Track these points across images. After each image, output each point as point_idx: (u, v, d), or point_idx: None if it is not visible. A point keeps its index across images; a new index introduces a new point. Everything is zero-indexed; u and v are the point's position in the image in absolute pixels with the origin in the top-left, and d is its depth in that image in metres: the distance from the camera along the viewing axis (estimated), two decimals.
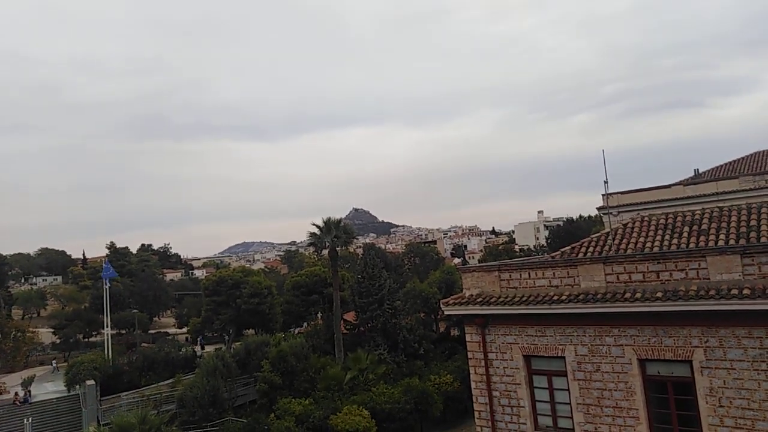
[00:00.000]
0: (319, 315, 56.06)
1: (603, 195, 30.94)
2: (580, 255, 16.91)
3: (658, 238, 16.34)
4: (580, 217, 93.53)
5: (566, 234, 77.04)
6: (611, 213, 30.51)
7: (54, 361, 54.89)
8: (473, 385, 15.24)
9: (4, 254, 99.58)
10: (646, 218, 17.85)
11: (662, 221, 17.09)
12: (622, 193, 32.14)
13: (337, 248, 46.32)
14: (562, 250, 18.70)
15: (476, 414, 15.12)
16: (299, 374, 37.87)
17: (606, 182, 17.83)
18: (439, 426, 36.63)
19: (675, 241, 15.82)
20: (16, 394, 39.72)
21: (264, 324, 56.66)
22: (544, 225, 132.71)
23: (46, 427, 36.22)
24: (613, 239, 17.19)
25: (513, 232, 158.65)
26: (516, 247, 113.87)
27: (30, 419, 34.37)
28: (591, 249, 17.43)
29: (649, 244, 16.21)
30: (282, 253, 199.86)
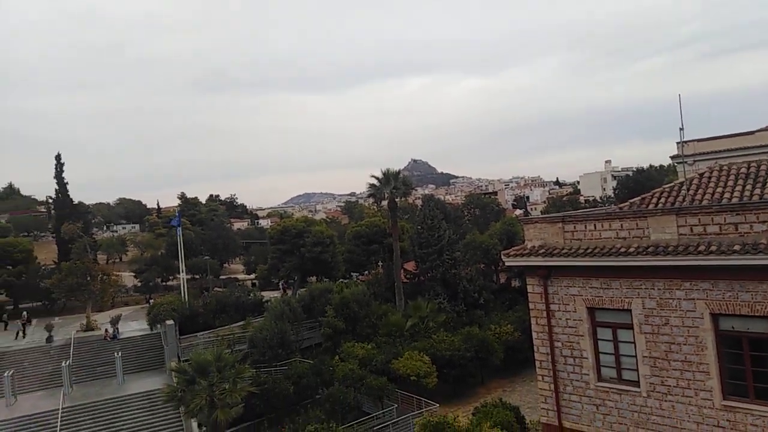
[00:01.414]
0: (380, 264, 57.25)
1: (678, 143, 29.25)
2: (651, 206, 16.24)
3: (738, 188, 15.39)
4: (651, 166, 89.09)
5: (636, 184, 73.83)
6: (686, 162, 28.91)
7: (151, 301, 58.99)
8: (534, 335, 15.30)
9: (87, 203, 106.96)
10: (725, 167, 16.79)
11: (743, 170, 16.03)
12: (699, 140, 30.28)
13: (396, 199, 46.67)
14: (631, 201, 18.00)
15: (537, 363, 15.25)
16: (361, 320, 39.22)
17: (681, 129, 16.83)
18: (499, 374, 37.23)
19: (757, 191, 14.85)
20: (106, 330, 43.52)
21: (326, 272, 58.58)
22: (612, 175, 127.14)
23: (133, 361, 39.69)
24: (688, 189, 16.34)
25: (578, 182, 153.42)
26: (581, 198, 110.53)
27: (119, 353, 37.76)
28: (663, 200, 16.68)
29: (727, 195, 15.31)
30: (342, 204, 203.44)
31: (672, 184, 17.92)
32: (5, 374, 34.06)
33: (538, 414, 16.07)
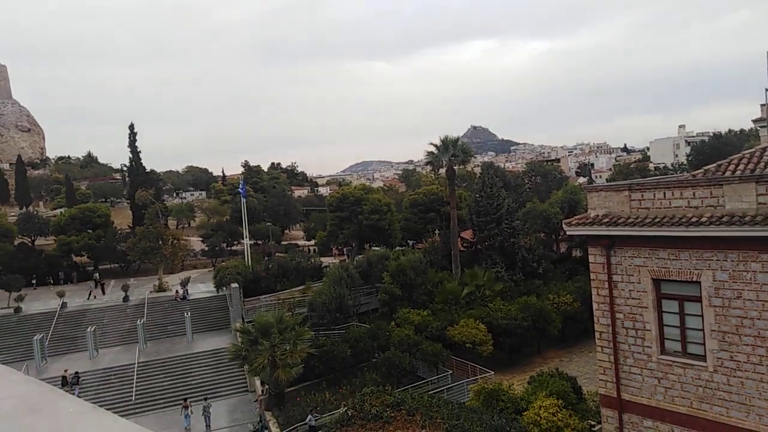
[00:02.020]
0: (437, 232, 57.10)
1: (762, 105, 26.97)
2: (728, 173, 15.17)
3: None
4: (730, 131, 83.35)
5: (712, 150, 69.48)
6: None
7: (218, 264, 61.76)
8: (595, 306, 14.87)
9: (158, 171, 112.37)
10: None
11: None
12: None
13: (455, 167, 46.01)
14: (706, 168, 16.87)
15: (597, 335, 14.86)
16: (417, 287, 39.48)
17: (767, 90, 15.52)
18: (556, 344, 36.71)
19: None
20: (177, 291, 46.15)
21: (383, 239, 59.13)
22: (686, 141, 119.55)
23: (200, 320, 41.99)
24: None
25: (647, 149, 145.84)
26: (650, 165, 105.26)
27: (189, 313, 40.00)
28: (741, 167, 15.52)
29: None
30: (400, 172, 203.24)
31: (753, 149, 16.64)
32: (88, 330, 36.92)
33: (595, 385, 15.79)
